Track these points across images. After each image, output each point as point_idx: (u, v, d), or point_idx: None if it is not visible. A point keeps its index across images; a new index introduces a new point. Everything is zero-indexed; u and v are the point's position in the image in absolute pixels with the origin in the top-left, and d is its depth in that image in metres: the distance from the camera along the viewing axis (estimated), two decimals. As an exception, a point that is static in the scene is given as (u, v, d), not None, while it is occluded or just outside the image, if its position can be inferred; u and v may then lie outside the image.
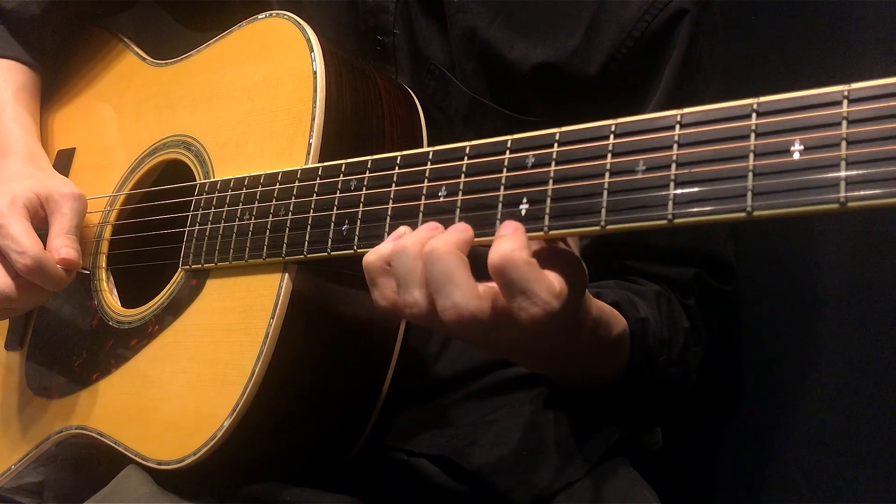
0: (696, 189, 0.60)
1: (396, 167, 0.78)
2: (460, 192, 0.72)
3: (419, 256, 0.69)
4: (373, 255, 0.73)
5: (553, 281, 0.67)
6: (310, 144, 0.88)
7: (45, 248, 1.00)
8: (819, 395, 1.05)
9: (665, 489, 0.97)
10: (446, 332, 0.72)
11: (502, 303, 0.68)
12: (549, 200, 0.67)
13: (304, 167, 0.87)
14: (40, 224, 1.03)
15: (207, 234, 0.94)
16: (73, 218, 1.04)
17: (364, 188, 0.80)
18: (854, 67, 1.02)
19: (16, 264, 0.98)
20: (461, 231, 0.69)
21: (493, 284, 0.68)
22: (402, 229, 0.73)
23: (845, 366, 1.03)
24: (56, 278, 1.00)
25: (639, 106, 1.00)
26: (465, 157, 0.73)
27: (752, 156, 0.58)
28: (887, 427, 0.96)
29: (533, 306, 0.66)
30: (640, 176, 0.63)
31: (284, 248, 0.85)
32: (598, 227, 0.64)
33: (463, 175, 0.72)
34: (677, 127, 0.62)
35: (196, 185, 0.99)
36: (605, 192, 0.64)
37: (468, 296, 0.67)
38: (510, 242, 0.66)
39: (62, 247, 1.01)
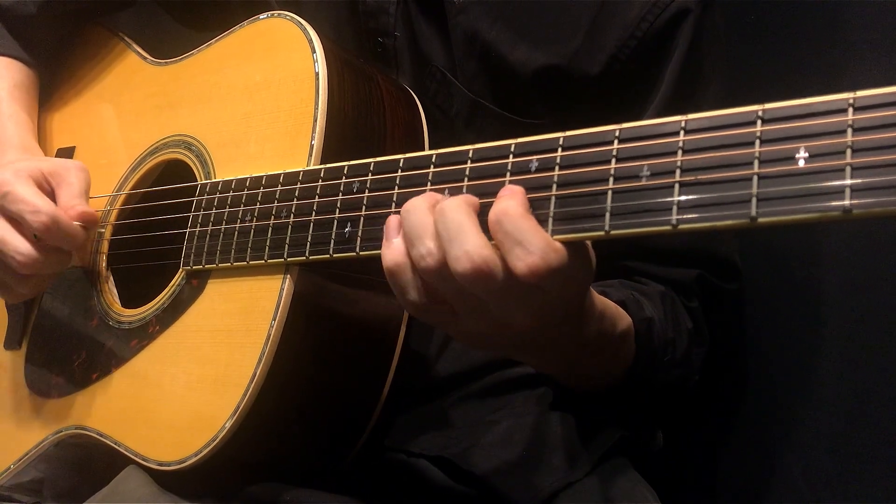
0: (700, 195, 0.60)
1: (399, 170, 0.78)
2: (463, 196, 0.72)
3: (430, 212, 0.69)
4: (391, 261, 0.72)
5: (552, 240, 0.66)
6: (312, 146, 0.88)
7: None
8: (819, 395, 1.06)
9: (665, 489, 0.98)
10: (458, 294, 0.70)
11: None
12: (552, 205, 0.67)
13: (307, 169, 0.87)
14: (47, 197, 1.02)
15: (209, 234, 0.94)
16: (81, 185, 1.02)
17: (367, 190, 0.80)
18: (855, 68, 1.02)
19: (32, 224, 0.96)
20: (468, 196, 0.70)
21: None
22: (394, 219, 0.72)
23: (845, 366, 1.03)
24: (74, 235, 0.98)
25: (641, 106, 1.00)
26: (469, 161, 0.73)
27: (756, 162, 0.58)
28: (887, 427, 0.97)
29: (529, 255, 0.64)
30: (644, 181, 0.62)
31: (286, 250, 0.85)
32: (602, 233, 0.64)
33: (466, 178, 0.72)
34: (682, 133, 0.62)
35: (197, 185, 0.98)
36: (610, 198, 0.64)
37: (480, 243, 0.66)
38: (507, 200, 0.66)
39: (77, 205, 0.99)
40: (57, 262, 1.01)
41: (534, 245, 0.65)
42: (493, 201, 0.69)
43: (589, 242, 0.70)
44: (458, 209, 0.67)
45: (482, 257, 0.66)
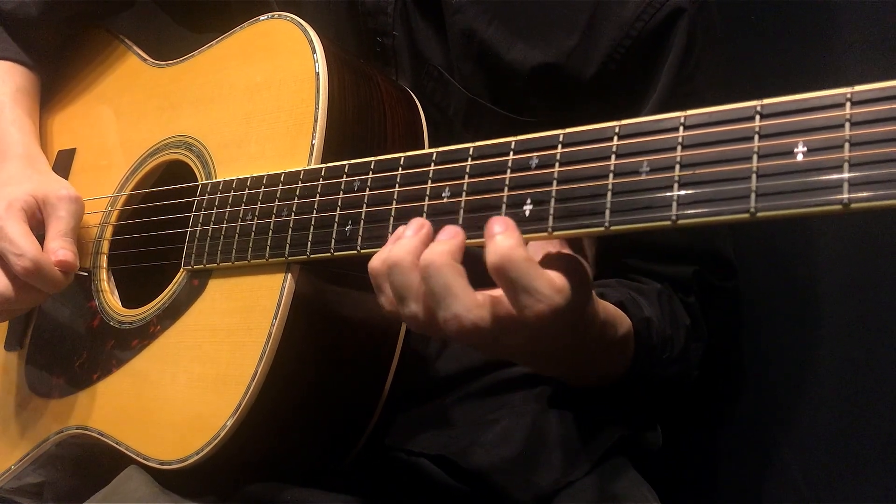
0: (699, 190, 0.60)
1: (400, 168, 0.78)
2: (464, 193, 0.72)
3: (414, 268, 0.69)
4: (377, 261, 0.73)
5: (554, 277, 0.67)
6: (312, 145, 0.88)
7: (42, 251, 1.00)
8: (819, 395, 1.06)
9: (665, 489, 0.98)
10: (452, 341, 0.72)
11: (503, 308, 0.67)
12: (553, 201, 0.67)
13: (307, 168, 0.87)
14: (38, 227, 1.03)
15: (210, 234, 0.94)
16: (70, 221, 1.03)
17: (367, 189, 0.80)
18: (854, 67, 1.02)
19: (14, 267, 0.98)
20: (453, 236, 0.69)
21: (493, 292, 0.68)
22: (401, 230, 0.72)
23: (845, 365, 1.03)
24: (54, 280, 1.00)
25: (637, 106, 1.00)
26: (469, 158, 0.73)
27: (755, 157, 0.58)
28: (887, 427, 0.97)
29: (538, 303, 0.65)
30: (643, 177, 0.63)
31: (287, 249, 0.85)
32: (602, 228, 0.64)
33: (467, 176, 0.73)
34: (681, 129, 0.62)
35: (199, 185, 0.99)
36: (610, 193, 0.64)
37: (468, 306, 0.66)
38: (506, 240, 0.65)
39: (59, 249, 1.00)
40: (32, 300, 1.03)
41: (541, 293, 0.65)
42: (488, 198, 0.70)
43: (587, 267, 0.71)
44: (442, 270, 0.66)
45: (471, 320, 0.66)
